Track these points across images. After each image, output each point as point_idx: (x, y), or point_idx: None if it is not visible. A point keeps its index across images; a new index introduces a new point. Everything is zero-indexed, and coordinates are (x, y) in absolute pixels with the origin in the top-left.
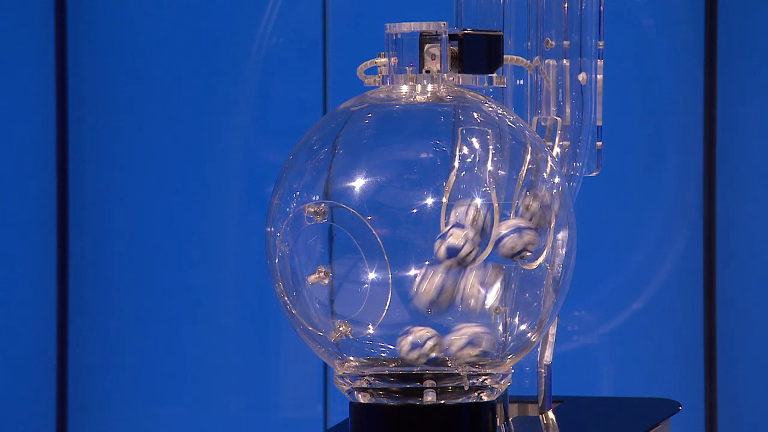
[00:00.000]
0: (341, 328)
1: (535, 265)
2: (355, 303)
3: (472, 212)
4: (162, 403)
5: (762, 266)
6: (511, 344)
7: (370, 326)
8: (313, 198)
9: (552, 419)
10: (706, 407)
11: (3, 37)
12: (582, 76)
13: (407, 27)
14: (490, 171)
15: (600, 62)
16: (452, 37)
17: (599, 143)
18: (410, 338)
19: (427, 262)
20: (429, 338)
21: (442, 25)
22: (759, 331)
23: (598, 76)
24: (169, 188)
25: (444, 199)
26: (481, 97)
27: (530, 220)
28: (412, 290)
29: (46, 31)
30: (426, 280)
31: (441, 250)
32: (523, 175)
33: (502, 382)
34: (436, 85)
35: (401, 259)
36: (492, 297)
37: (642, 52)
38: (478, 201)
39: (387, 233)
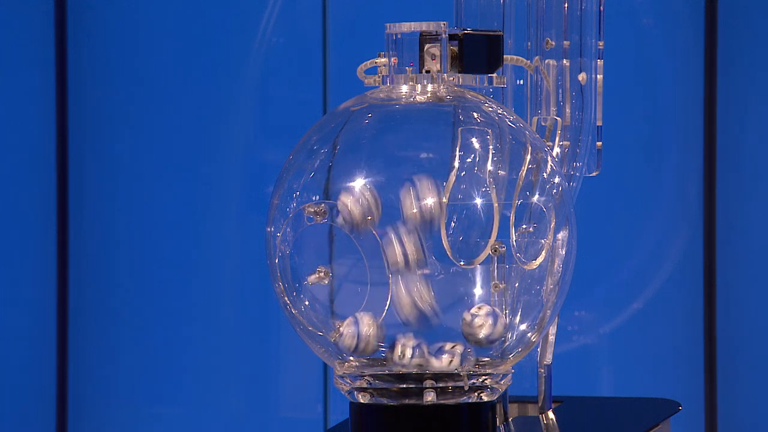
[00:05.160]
0: (341, 328)
1: (535, 264)
2: (355, 303)
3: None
4: (162, 403)
5: (762, 266)
6: (511, 344)
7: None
8: (313, 198)
9: (552, 419)
10: (706, 407)
11: (3, 38)
12: (582, 76)
13: (407, 27)
14: (490, 171)
15: (600, 62)
16: (452, 37)
17: (599, 143)
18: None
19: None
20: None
21: (442, 25)
22: (759, 331)
23: (598, 76)
24: (170, 188)
25: (444, 199)
26: (481, 97)
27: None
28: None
29: (46, 31)
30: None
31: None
32: (523, 175)
33: (502, 382)
34: (436, 85)
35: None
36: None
37: (642, 52)
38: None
39: (387, 233)
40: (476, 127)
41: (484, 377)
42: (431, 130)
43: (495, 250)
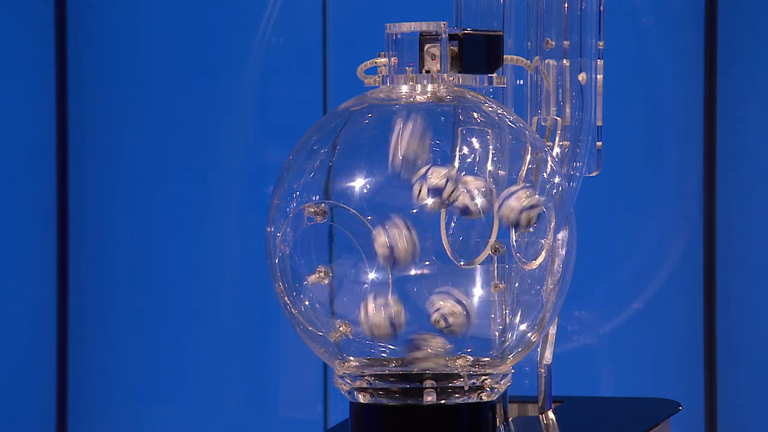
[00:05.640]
0: (341, 328)
1: (535, 264)
2: (355, 303)
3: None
4: (162, 403)
5: (762, 266)
6: (511, 344)
7: None
8: (313, 198)
9: (552, 419)
10: (706, 407)
11: (3, 38)
12: (582, 76)
13: (407, 27)
14: (490, 171)
15: (600, 62)
16: (452, 37)
17: (599, 143)
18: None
19: (427, 262)
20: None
21: (442, 25)
22: (759, 331)
23: (598, 76)
24: (170, 188)
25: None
26: (481, 97)
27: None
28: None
29: (46, 31)
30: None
31: (422, 192)
32: (523, 175)
33: (502, 382)
34: (436, 85)
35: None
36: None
37: (642, 52)
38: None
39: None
40: (476, 127)
41: (484, 377)
42: (431, 130)
43: (495, 250)
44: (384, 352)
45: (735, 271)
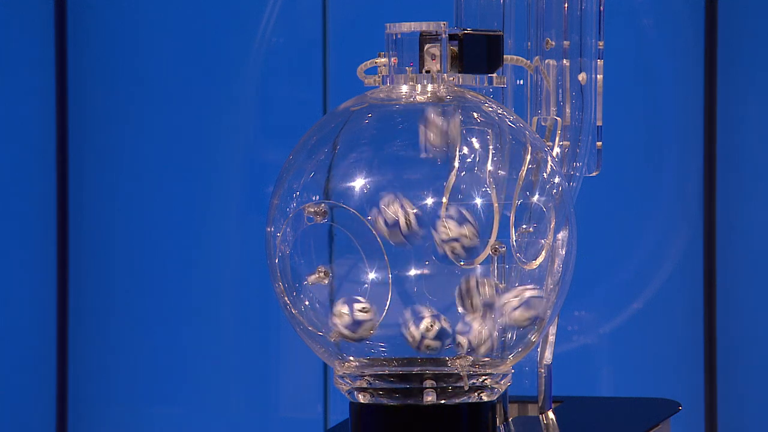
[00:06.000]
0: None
1: (535, 264)
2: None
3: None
4: (162, 403)
5: (762, 266)
6: (511, 344)
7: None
8: (313, 198)
9: (552, 419)
10: (706, 407)
11: (3, 38)
12: (582, 76)
13: (407, 27)
14: (490, 171)
15: (600, 62)
16: (452, 37)
17: (599, 143)
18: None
19: (427, 262)
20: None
21: (442, 25)
22: (759, 331)
23: (598, 76)
24: (170, 188)
25: (444, 199)
26: (481, 97)
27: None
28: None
29: (46, 31)
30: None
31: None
32: (523, 175)
33: (502, 382)
34: (436, 85)
35: (401, 259)
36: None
37: (642, 52)
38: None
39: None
40: (476, 127)
41: (484, 377)
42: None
43: (495, 250)
44: (384, 352)
45: (735, 271)
